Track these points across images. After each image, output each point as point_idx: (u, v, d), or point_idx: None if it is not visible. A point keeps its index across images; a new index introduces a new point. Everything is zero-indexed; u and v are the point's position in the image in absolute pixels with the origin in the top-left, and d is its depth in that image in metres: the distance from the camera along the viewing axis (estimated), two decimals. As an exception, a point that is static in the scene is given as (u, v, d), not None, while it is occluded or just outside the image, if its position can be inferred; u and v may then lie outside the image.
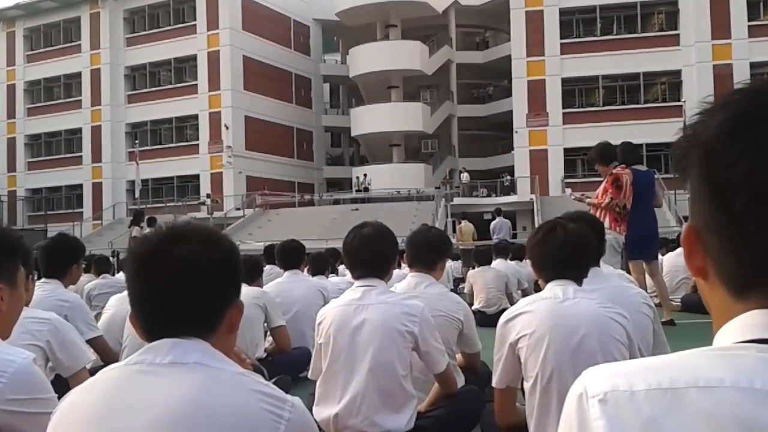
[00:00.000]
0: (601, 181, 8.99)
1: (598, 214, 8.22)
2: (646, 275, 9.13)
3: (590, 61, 37.83)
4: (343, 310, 3.78)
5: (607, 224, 8.30)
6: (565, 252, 3.23)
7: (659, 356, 0.97)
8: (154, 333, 1.66)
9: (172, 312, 1.65)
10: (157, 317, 1.67)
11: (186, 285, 1.64)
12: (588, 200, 8.72)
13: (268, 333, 6.33)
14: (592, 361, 3.02)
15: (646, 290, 7.41)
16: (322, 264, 8.23)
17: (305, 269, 7.69)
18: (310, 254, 8.02)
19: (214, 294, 1.69)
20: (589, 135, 33.93)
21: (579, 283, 3.27)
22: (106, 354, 5.03)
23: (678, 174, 1.01)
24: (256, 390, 1.59)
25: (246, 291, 5.85)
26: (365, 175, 42.51)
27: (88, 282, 8.76)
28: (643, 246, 8.91)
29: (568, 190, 9.83)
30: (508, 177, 40.28)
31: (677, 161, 1.00)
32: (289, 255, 7.12)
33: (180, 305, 1.65)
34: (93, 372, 2.22)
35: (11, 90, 48.62)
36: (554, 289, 3.24)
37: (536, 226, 3.77)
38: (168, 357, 1.60)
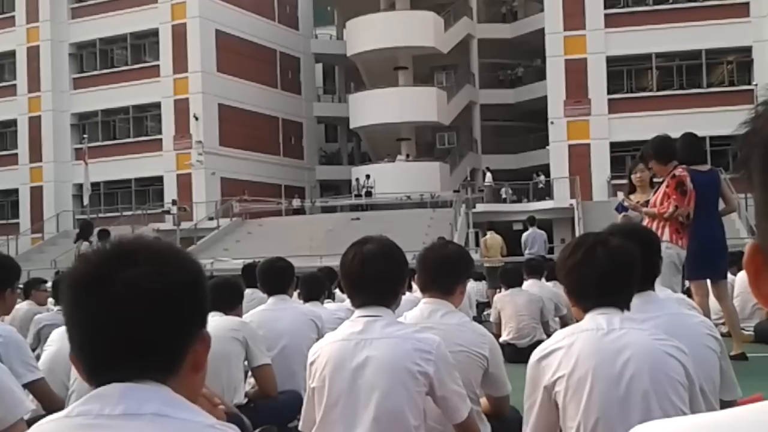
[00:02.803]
0: (655, 184, 8.98)
1: (655, 226, 8.20)
2: (711, 298, 9.11)
3: (641, 35, 37.82)
4: (342, 346, 3.77)
5: (666, 236, 8.29)
6: (610, 275, 3.25)
7: (725, 412, 0.95)
8: (100, 376, 1.63)
9: (122, 350, 1.62)
10: (103, 356, 1.64)
11: (138, 316, 1.61)
12: (645, 210, 8.70)
13: (249, 373, 6.33)
14: (645, 406, 3.06)
15: (710, 317, 7.41)
16: (316, 287, 8.22)
17: (294, 294, 7.69)
18: (300, 275, 8.02)
19: (173, 326, 1.66)
20: (640, 126, 33.91)
21: (623, 310, 3.30)
22: (49, 401, 5.00)
23: (743, 181, 1.00)
24: None
25: (221, 322, 5.87)
26: (367, 176, 42.55)
27: (36, 313, 8.67)
28: (708, 262, 8.89)
29: (620, 194, 9.78)
30: (543, 177, 40.27)
31: (739, 166, 0.99)
32: (275, 276, 7.11)
33: (131, 341, 1.62)
34: (32, 423, 2.21)
35: (-70, 73, 48.77)
36: (596, 318, 3.26)
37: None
38: (119, 406, 1.57)
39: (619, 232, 3.82)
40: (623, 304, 3.31)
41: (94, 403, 1.58)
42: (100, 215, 39.50)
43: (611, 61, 38.41)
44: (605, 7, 38.63)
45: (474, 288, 16.85)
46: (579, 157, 38.17)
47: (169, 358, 1.66)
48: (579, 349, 3.19)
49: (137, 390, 1.59)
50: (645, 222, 8.32)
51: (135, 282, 1.61)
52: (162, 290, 1.63)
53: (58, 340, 6.01)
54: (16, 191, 46.42)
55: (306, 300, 7.88)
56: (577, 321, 3.41)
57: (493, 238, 22.45)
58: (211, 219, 40.20)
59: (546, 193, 39.51)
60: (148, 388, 1.60)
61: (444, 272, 4.51)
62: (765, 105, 0.96)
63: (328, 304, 8.79)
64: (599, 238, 3.38)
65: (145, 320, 1.61)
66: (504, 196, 40.71)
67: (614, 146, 37.85)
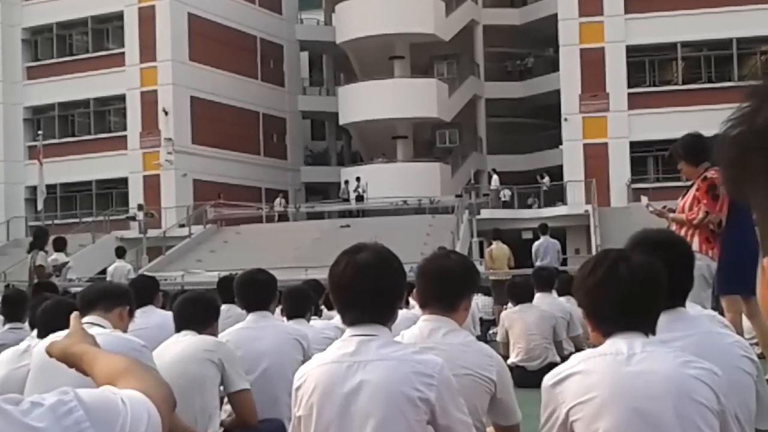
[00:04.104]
0: (683, 187, 8.98)
1: (683, 233, 8.19)
2: (744, 316, 9.12)
3: (665, 22, 37.94)
4: (332, 370, 3.76)
5: (696, 246, 8.27)
6: (633, 297, 3.27)
7: None
8: None
9: None
10: None
11: None
12: (672, 216, 8.70)
13: (226, 400, 6.32)
14: (668, 434, 3.06)
15: (744, 336, 7.40)
16: (301, 302, 8.22)
17: (277, 310, 7.68)
18: (283, 289, 8.01)
19: None
20: (663, 123, 34.07)
21: (647, 334, 3.31)
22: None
23: (734, 187, 0.98)
24: None
25: (194, 342, 5.87)
26: (358, 178, 42.56)
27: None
28: (739, 275, 8.86)
29: (644, 198, 9.76)
30: (547, 180, 40.27)
31: (731, 169, 0.97)
32: (255, 290, 7.09)
33: None
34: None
35: None
36: (617, 342, 3.28)
37: (594, 248, 3.78)
38: None
39: (648, 242, 3.81)
40: (648, 329, 3.32)
41: None
42: (57, 222, 39.49)
43: (632, 50, 38.52)
44: (625, -9, 38.74)
45: (478, 304, 16.84)
46: (596, 157, 38.25)
47: None
48: (596, 374, 3.21)
49: None
50: (672, 229, 8.32)
51: None
52: None
53: (6, 363, 5.95)
54: (-39, 195, 46.30)
55: (290, 317, 7.87)
56: (595, 346, 3.42)
57: (499, 248, 22.40)
58: (182, 226, 40.17)
59: (558, 197, 39.53)
60: None
61: (446, 286, 4.48)
62: (761, 99, 0.93)
63: (315, 322, 8.78)
64: (621, 254, 3.39)
65: None
66: (504, 199, 40.66)
67: (634, 146, 37.97)
